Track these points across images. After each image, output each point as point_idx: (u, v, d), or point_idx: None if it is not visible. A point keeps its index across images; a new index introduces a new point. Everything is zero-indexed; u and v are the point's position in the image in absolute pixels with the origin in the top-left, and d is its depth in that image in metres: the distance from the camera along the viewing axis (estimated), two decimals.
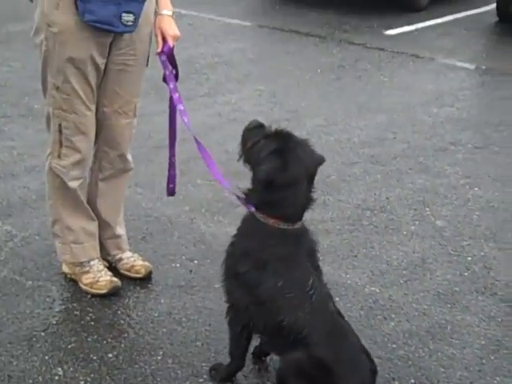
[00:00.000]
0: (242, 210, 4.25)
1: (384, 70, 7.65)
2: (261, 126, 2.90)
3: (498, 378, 3.27)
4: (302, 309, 2.81)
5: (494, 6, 9.96)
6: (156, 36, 3.42)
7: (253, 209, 2.96)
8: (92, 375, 3.13)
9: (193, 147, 3.25)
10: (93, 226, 3.67)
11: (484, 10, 10.69)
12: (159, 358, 3.29)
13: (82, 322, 3.48)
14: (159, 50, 3.40)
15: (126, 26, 3.23)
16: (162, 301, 3.68)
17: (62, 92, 3.34)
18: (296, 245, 2.88)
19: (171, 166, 3.59)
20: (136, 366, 3.22)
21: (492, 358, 3.40)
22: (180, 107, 3.40)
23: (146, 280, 3.81)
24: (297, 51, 8.09)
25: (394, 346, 3.43)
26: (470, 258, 4.20)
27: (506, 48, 8.93)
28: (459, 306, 3.77)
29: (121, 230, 3.81)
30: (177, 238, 4.23)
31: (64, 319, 3.49)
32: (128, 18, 3.21)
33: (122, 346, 3.34)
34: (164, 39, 3.40)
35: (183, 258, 4.05)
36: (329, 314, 2.88)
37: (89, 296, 3.66)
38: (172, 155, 3.58)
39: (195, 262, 4.02)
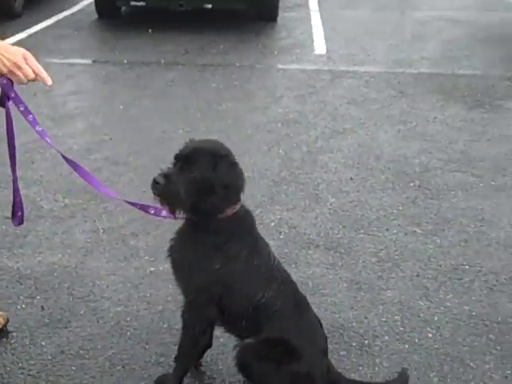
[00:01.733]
0: (32, 238, 4.26)
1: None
2: (166, 175, 2.86)
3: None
4: (275, 280, 3.01)
5: (82, 5, 10.55)
6: None
7: (164, 212, 3.10)
8: None
9: None
10: None
11: (77, 10, 11.19)
12: None
13: None
14: None
15: None
16: (43, 343, 3.51)
17: None
18: (249, 218, 3.05)
19: (16, 191, 3.43)
20: None
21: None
22: (38, 128, 3.29)
23: (3, 331, 3.56)
24: None
25: None
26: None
27: (127, 40, 9.55)
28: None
29: None
30: None
31: None
32: None
33: None
34: None
35: (21, 297, 3.85)
36: (291, 282, 3.14)
37: None
38: (15, 180, 3.42)
39: (37, 297, 3.86)
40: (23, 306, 3.75)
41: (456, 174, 5.60)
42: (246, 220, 3.01)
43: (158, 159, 5.52)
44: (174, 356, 3.32)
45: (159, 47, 9.27)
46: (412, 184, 5.38)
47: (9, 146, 3.34)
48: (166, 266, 3.90)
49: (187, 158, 2.87)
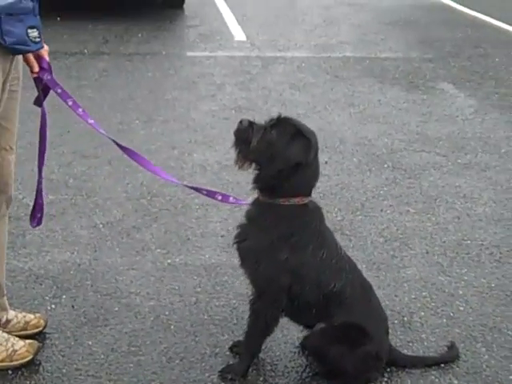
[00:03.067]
0: (33, 237, 4.19)
1: None
2: (252, 122, 2.99)
3: None
4: (344, 269, 3.13)
5: None
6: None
7: (243, 202, 3.19)
8: None
9: None
10: None
11: None
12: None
13: None
14: (36, 69, 3.14)
15: (35, 43, 2.95)
16: (90, 342, 3.47)
17: None
18: (318, 212, 3.16)
19: (39, 193, 3.36)
20: None
21: None
22: (90, 121, 3.28)
23: (42, 334, 3.51)
24: None
25: None
26: None
27: None
28: None
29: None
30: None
31: None
32: (34, 33, 2.85)
33: None
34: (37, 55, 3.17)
35: (46, 298, 3.80)
36: (357, 270, 3.27)
37: (10, 372, 3.25)
38: (40, 181, 3.35)
39: (63, 297, 3.82)
40: (52, 306, 3.68)
41: (422, 154, 5.86)
42: (314, 213, 3.11)
43: None
44: (228, 347, 3.37)
45: (75, 36, 9.12)
46: (386, 165, 5.58)
47: (40, 146, 3.27)
48: (182, 258, 3.98)
49: (277, 121, 2.98)
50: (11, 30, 2.72)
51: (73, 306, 3.68)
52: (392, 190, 5.16)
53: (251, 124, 2.97)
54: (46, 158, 3.28)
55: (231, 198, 3.30)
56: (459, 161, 5.74)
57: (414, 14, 11.65)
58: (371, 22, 10.97)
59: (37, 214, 3.35)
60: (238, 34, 9.65)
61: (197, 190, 3.36)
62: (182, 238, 4.36)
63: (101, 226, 4.47)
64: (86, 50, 8.46)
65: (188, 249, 4.24)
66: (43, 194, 3.35)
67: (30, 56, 3.03)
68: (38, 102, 3.18)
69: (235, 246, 3.16)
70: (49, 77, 3.11)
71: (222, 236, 4.42)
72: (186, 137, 5.96)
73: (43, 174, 3.34)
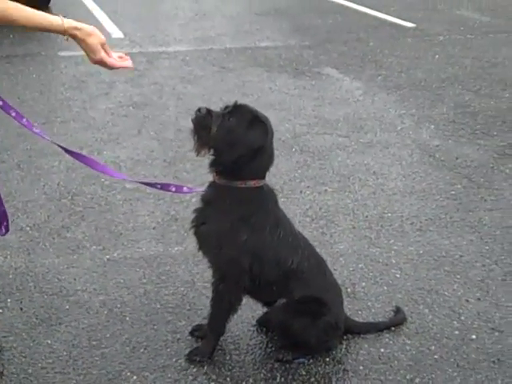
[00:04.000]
0: None
1: None
2: (209, 110, 3.09)
3: None
4: (300, 246, 3.31)
5: None
6: None
7: (197, 190, 3.36)
8: None
9: None
10: None
11: None
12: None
13: None
14: None
15: None
16: (48, 341, 3.52)
17: None
18: (272, 194, 3.32)
19: None
20: None
21: None
22: (35, 130, 3.30)
23: None
24: None
25: None
26: None
27: None
28: None
29: None
30: None
31: None
32: None
33: None
34: None
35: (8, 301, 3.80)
36: (311, 246, 3.45)
37: None
38: None
39: (9, 301, 3.83)
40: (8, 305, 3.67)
41: (325, 136, 6.15)
42: (270, 195, 3.27)
43: (34, 154, 5.50)
44: (189, 332, 3.52)
45: None
46: (294, 149, 5.84)
47: None
48: (119, 252, 4.09)
49: (233, 108, 3.09)
50: None
51: (21, 309, 3.70)
52: (305, 172, 5.40)
53: (209, 111, 3.09)
54: None
55: (185, 188, 3.42)
56: (361, 140, 6.05)
57: (283, 3, 11.99)
58: (243, 13, 11.22)
59: (2, 222, 3.33)
60: (115, 32, 9.67)
61: (151, 185, 3.45)
62: (115, 234, 4.42)
63: (27, 228, 4.47)
64: None
65: (123, 243, 4.32)
66: (3, 201, 3.31)
67: None
68: None
69: (193, 230, 3.27)
70: None
71: (153, 228, 4.52)
72: (90, 136, 5.98)
73: None
